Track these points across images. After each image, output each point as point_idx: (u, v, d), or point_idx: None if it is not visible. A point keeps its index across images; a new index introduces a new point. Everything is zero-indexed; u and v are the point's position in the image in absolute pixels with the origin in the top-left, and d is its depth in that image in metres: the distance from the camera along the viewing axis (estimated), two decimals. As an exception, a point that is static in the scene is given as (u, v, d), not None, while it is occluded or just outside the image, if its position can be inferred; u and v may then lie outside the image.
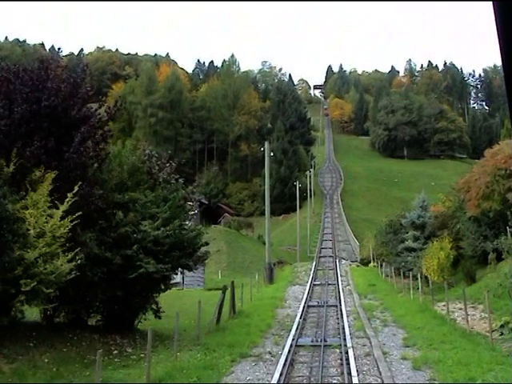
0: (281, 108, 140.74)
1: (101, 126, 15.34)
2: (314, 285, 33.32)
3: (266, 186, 45.01)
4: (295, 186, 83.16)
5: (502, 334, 16.78)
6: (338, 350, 15.21)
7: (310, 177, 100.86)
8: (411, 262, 33.36)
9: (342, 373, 12.76)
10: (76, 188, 12.99)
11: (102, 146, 15.30)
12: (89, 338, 15.57)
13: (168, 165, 19.06)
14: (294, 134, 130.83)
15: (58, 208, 13.08)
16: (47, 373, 12.24)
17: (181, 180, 19.10)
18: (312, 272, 40.52)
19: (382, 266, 40.13)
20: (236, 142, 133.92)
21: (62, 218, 13.00)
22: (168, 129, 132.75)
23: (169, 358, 14.16)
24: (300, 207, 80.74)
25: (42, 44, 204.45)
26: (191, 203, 19.37)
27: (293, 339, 16.62)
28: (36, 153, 13.25)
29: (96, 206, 14.42)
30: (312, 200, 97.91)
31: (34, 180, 13.20)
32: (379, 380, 12.00)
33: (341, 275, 38.12)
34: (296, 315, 21.66)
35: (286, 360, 13.87)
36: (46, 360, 12.98)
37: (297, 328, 18.68)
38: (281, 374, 12.43)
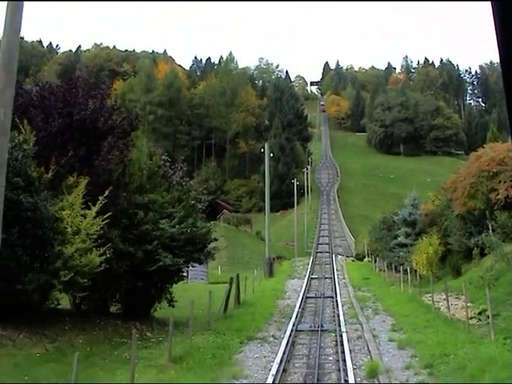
0: (278, 105, 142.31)
1: (124, 136, 17.32)
2: (312, 278, 35.27)
3: (267, 186, 47.04)
4: (293, 183, 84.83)
5: (479, 320, 18.80)
6: (333, 334, 17.23)
7: (307, 174, 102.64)
8: (403, 257, 35.43)
9: (337, 352, 14.77)
10: (106, 192, 14.97)
11: (125, 153, 17.28)
12: (113, 324, 17.59)
13: (180, 169, 21.08)
14: (291, 131, 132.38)
15: (90, 209, 15.05)
16: (83, 351, 14.20)
17: (191, 182, 21.15)
18: (309, 266, 42.47)
19: (375, 260, 42.17)
20: (234, 139, 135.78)
21: (94, 217, 14.97)
22: (167, 126, 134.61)
23: (185, 341, 16.10)
24: (297, 203, 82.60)
25: (40, 41, 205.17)
26: (201, 203, 21.29)
27: (293, 325, 18.64)
28: (70, 161, 15.22)
29: (121, 207, 16.41)
30: (309, 197, 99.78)
31: (69, 185, 15.16)
32: (368, 357, 14.03)
33: (337, 269, 40.07)
34: (295, 305, 23.67)
35: (287, 342, 15.91)
36: (81, 341, 15.01)
37: (296, 316, 20.71)
38: (284, 353, 14.47)
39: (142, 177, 18.32)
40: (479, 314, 19.14)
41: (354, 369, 12.79)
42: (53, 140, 15.21)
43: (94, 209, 14.86)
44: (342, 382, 11.86)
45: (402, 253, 36.08)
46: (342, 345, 15.30)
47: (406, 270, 30.11)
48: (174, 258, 17.47)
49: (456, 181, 29.37)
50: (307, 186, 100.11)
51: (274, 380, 11.90)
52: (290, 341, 16.05)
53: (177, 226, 17.80)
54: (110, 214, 15.08)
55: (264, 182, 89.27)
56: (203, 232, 19.39)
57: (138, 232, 17.12)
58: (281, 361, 13.56)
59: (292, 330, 17.70)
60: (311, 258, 50.42)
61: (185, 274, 31.37)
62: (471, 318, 18.53)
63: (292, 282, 33.88)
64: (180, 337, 17.15)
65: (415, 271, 30.83)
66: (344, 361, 13.51)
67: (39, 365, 12.53)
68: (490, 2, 1.87)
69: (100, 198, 14.89)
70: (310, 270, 39.98)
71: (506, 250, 22.89)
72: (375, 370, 12.28)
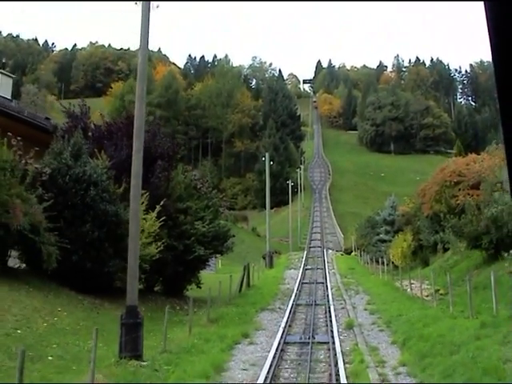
0: (272, 106, 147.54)
1: (169, 159, 23.23)
2: (306, 269, 41.29)
3: (267, 191, 52.97)
4: (287, 183, 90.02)
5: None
6: (323, 306, 23.23)
7: (301, 174, 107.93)
8: (383, 251, 41.56)
9: (326, 316, 20.78)
10: (162, 202, 20.87)
11: (170, 172, 23.20)
12: (159, 300, 23.50)
13: (206, 181, 27.13)
14: (284, 131, 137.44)
15: (148, 214, 20.92)
16: (146, 316, 20.06)
17: (214, 191, 27.16)
18: (304, 259, 48.48)
19: (361, 254, 48.24)
20: (230, 139, 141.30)
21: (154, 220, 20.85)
22: (165, 126, 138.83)
23: (215, 310, 21.96)
24: (291, 201, 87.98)
25: (36, 39, 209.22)
26: (221, 207, 27.27)
27: (293, 301, 24.65)
28: (134, 179, 21.03)
29: (169, 212, 22.29)
30: (302, 195, 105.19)
31: (134, 197, 20.96)
32: (348, 318, 20.05)
33: (327, 262, 46.12)
34: (294, 288, 29.68)
35: (290, 311, 21.90)
36: (143, 309, 20.82)
37: (295, 295, 26.72)
38: (288, 317, 20.46)
39: (180, 189, 24.17)
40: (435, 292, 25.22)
41: (337, 325, 18.78)
42: (122, 164, 20.87)
43: (153, 214, 20.71)
44: (329, 331, 17.80)
45: (382, 247, 42.19)
46: (330, 312, 21.31)
47: (384, 262, 36.11)
48: (205, 250, 23.46)
49: (425, 188, 35.58)
50: (300, 185, 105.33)
51: (283, 331, 17.79)
52: (292, 310, 22.07)
53: (206, 226, 23.76)
54: (164, 218, 20.98)
55: (260, 181, 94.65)
56: (224, 230, 25.46)
57: (179, 231, 23.01)
58: (287, 320, 19.56)
59: (293, 304, 23.68)
60: (305, 252, 56.33)
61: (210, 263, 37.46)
62: (427, 296, 24.64)
63: (289, 272, 39.91)
64: (210, 308, 23.10)
65: (392, 263, 36.93)
66: (330, 321, 19.49)
67: (123, 322, 18.36)
68: (482, 2, 1.81)
69: (157, 206, 20.76)
70: (305, 262, 45.94)
71: (460, 245, 28.97)
72: (351, 324, 18.36)
